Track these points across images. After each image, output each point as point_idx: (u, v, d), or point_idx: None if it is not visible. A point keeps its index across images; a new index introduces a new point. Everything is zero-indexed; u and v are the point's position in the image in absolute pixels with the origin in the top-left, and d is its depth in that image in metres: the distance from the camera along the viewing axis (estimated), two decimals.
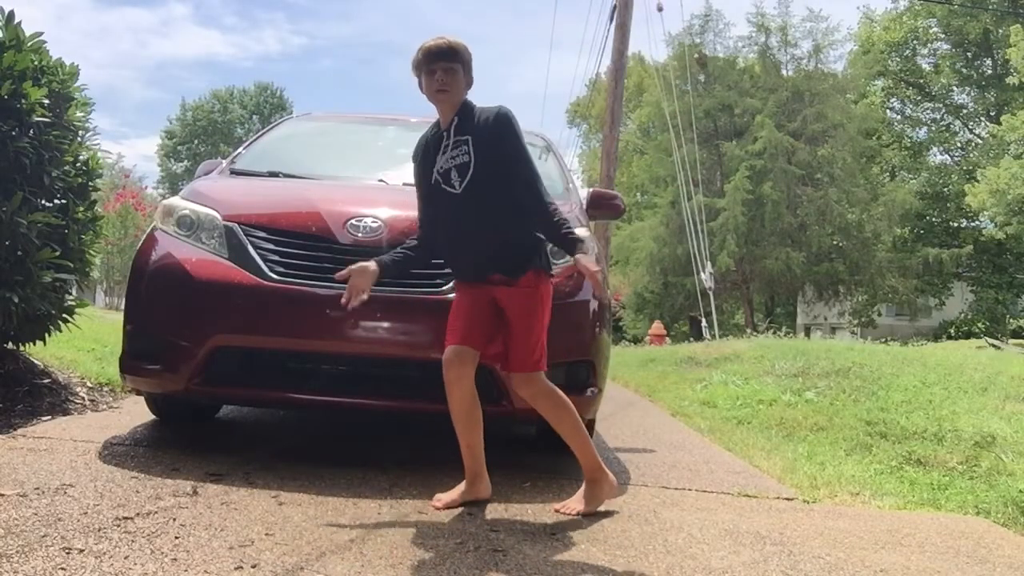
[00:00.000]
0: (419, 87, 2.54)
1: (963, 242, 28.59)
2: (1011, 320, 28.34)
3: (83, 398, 4.00)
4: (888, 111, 33.82)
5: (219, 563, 1.83)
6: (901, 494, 3.24)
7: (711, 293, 15.63)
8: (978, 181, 22.66)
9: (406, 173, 3.25)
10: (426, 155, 2.56)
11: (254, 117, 48.03)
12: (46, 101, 3.70)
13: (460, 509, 2.47)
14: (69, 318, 4.01)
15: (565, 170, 4.13)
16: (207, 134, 48.15)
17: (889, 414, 4.87)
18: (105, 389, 4.38)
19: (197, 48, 79.52)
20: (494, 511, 2.49)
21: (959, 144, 33.95)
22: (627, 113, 32.68)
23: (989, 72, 32.18)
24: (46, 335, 3.93)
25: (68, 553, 1.82)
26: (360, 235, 2.84)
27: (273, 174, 3.60)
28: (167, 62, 78.95)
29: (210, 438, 3.42)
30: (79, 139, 4.02)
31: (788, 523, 2.59)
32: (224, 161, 3.95)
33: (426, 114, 2.71)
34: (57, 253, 3.64)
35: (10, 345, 3.92)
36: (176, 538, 1.98)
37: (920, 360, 6.70)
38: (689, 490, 3.01)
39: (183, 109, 49.31)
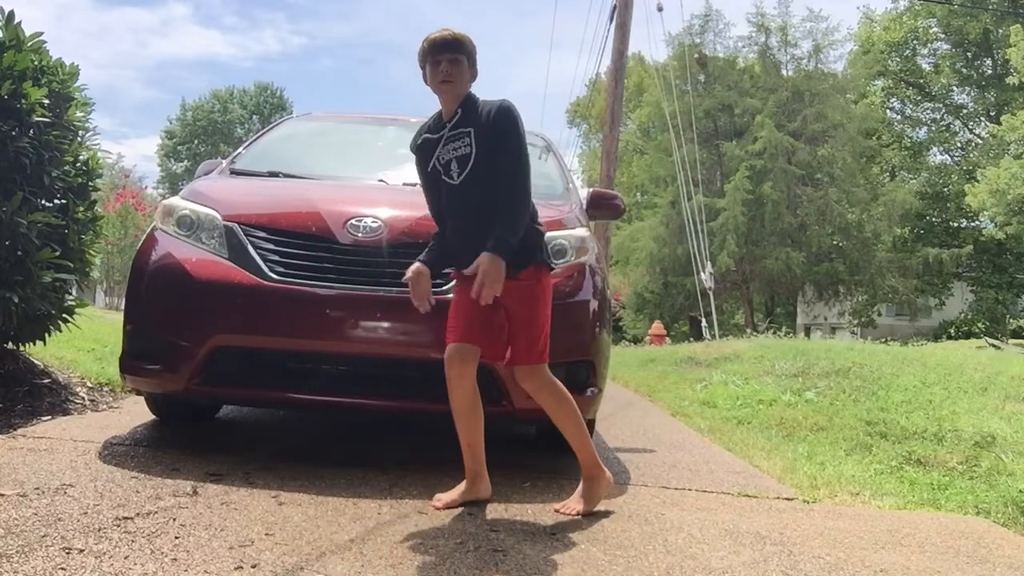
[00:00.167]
0: (423, 79, 2.53)
1: (963, 242, 28.60)
2: (1011, 320, 28.35)
3: (83, 398, 4.00)
4: (888, 111, 33.83)
5: (219, 563, 1.83)
6: (901, 494, 3.24)
7: (711, 293, 15.63)
8: (978, 181, 22.67)
9: (406, 173, 3.25)
10: (426, 144, 2.56)
11: (254, 117, 48.05)
12: (46, 101, 3.70)
13: (460, 509, 2.46)
14: (69, 318, 4.01)
15: (565, 170, 4.13)
16: (207, 134, 48.16)
17: (889, 414, 4.87)
18: (105, 389, 4.38)
19: (197, 48, 79.64)
20: (494, 511, 2.49)
21: (959, 144, 33.96)
22: (627, 113, 32.69)
23: (989, 72, 32.18)
24: (46, 335, 3.93)
25: (68, 553, 1.82)
26: (360, 235, 2.84)
27: (273, 174, 3.60)
28: (167, 62, 79.07)
29: (210, 438, 3.41)
30: (79, 139, 4.02)
31: (788, 523, 2.59)
32: (224, 161, 3.95)
33: (426, 115, 2.71)
34: (57, 253, 3.64)
35: (10, 345, 3.92)
36: (176, 538, 1.98)
37: (920, 360, 6.70)
38: (689, 490, 3.01)
39: (183, 109, 49.37)
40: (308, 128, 4.53)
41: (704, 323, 15.82)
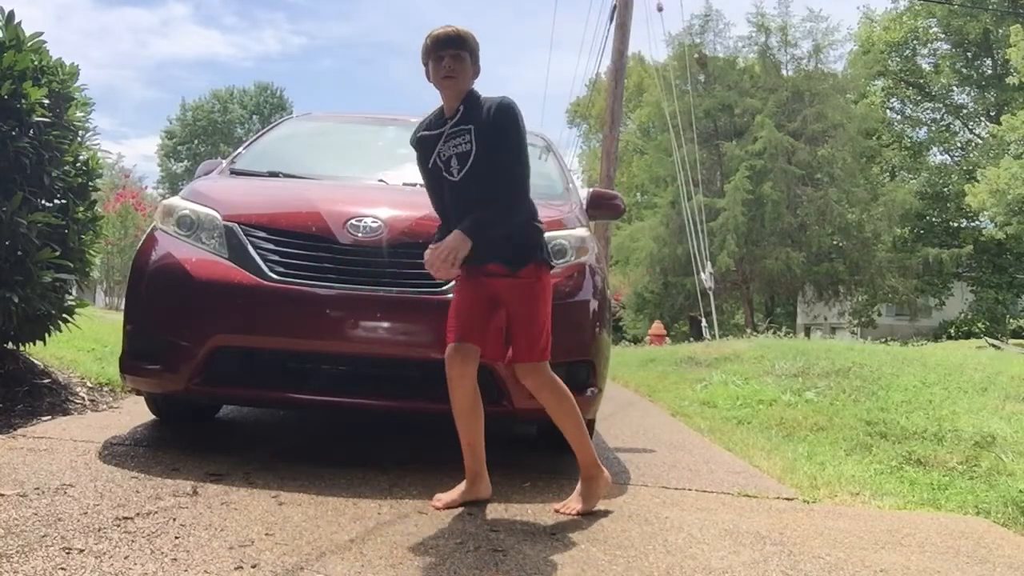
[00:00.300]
0: (426, 75, 2.53)
1: (963, 242, 28.60)
2: (1011, 320, 28.35)
3: (83, 398, 4.00)
4: (888, 111, 33.83)
5: (219, 563, 1.83)
6: (901, 494, 3.24)
7: (711, 293, 15.63)
8: (978, 181, 22.67)
9: (406, 173, 3.25)
10: (426, 140, 2.56)
11: (254, 117, 48.05)
12: (46, 101, 3.70)
13: (460, 509, 2.46)
14: (69, 318, 4.01)
15: (565, 170, 4.13)
16: (207, 134, 48.16)
17: (889, 414, 4.87)
18: (105, 389, 4.38)
19: (197, 48, 79.64)
20: (494, 511, 2.49)
21: (959, 144, 33.97)
22: (627, 113, 32.68)
23: (989, 72, 32.19)
24: (46, 335, 3.93)
25: (68, 553, 1.82)
26: (360, 235, 2.84)
27: (273, 174, 3.60)
28: (167, 62, 79.08)
29: (210, 438, 3.41)
30: (79, 139, 4.02)
31: (788, 523, 2.59)
32: (224, 161, 3.95)
33: (426, 115, 2.71)
34: (57, 253, 3.64)
35: (10, 345, 3.92)
36: (176, 538, 1.98)
37: (920, 360, 6.70)
38: (689, 490, 3.01)
39: (183, 109, 49.37)
40: (308, 128, 4.53)
41: (704, 323, 15.82)
